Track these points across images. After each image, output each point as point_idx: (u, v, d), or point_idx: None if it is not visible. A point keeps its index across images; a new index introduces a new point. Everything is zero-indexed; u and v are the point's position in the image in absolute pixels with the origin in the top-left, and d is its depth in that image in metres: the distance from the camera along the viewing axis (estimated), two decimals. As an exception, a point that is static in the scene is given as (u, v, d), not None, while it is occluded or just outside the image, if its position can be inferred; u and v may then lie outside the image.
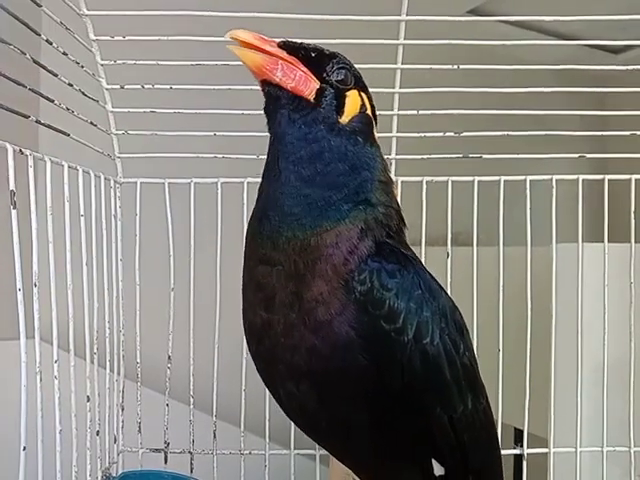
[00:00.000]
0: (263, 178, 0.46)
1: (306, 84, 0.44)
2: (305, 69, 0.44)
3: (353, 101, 0.45)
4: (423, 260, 0.71)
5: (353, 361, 0.42)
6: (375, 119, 0.48)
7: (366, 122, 0.46)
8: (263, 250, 0.44)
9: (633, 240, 0.72)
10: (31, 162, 0.50)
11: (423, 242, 0.74)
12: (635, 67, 0.67)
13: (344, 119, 0.45)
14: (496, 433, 0.53)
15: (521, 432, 0.76)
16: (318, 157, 0.43)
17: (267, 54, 0.43)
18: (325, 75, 0.44)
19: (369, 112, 0.47)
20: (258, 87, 0.69)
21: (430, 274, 0.47)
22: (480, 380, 0.50)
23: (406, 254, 0.46)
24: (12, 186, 0.46)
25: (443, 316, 0.45)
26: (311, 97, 0.44)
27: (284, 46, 0.44)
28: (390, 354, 0.42)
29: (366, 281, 0.42)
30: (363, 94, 0.47)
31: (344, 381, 0.43)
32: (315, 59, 0.44)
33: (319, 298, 0.42)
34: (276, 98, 0.44)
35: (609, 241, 0.73)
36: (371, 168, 0.45)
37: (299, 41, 0.45)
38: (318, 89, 0.44)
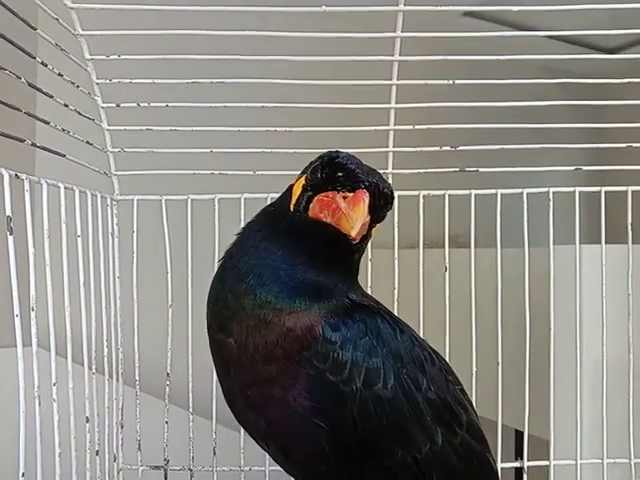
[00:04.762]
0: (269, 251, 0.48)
1: (362, 232, 0.47)
2: (368, 219, 0.47)
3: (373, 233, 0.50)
4: (420, 262, 0.73)
5: (310, 426, 0.44)
6: None
7: (366, 241, 0.51)
8: (224, 315, 0.49)
9: (630, 243, 0.72)
10: (27, 186, 0.50)
11: (421, 254, 0.74)
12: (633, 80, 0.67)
13: (362, 245, 0.49)
14: (482, 462, 0.50)
15: (521, 434, 0.75)
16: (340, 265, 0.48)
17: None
18: (377, 217, 0.48)
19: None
20: (254, 104, 0.70)
21: (386, 316, 0.48)
22: (458, 409, 0.49)
23: (355, 301, 0.48)
24: (8, 212, 0.46)
25: (397, 358, 0.46)
26: (357, 239, 0.47)
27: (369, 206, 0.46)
28: (340, 406, 0.44)
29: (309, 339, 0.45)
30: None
31: (303, 443, 0.45)
32: (379, 206, 0.47)
33: (270, 378, 0.45)
34: (335, 238, 0.46)
35: (607, 243, 0.73)
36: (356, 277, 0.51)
37: (375, 182, 0.46)
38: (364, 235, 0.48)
